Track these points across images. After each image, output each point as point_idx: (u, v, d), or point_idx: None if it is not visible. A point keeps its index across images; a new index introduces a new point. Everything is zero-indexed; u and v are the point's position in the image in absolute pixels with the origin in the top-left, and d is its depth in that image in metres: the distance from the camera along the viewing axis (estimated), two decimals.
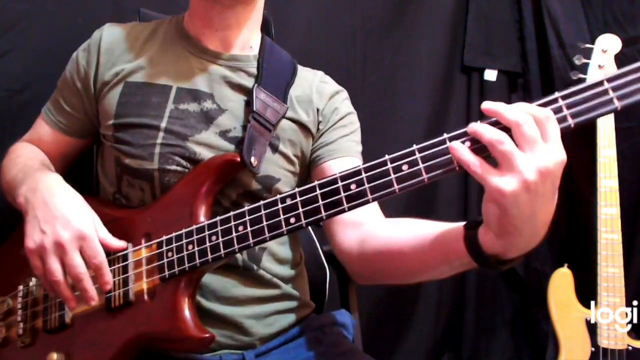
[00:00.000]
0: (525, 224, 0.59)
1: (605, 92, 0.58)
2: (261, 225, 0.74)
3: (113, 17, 1.10)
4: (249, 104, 0.91)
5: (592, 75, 1.58)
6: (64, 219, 0.78)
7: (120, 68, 0.92)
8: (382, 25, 1.76)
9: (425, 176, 0.64)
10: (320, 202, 0.70)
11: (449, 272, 0.73)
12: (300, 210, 0.71)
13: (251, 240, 0.74)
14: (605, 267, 1.48)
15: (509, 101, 2.09)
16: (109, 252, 0.81)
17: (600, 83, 0.59)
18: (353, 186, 0.68)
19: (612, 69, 1.56)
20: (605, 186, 1.51)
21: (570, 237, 1.85)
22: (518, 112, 0.57)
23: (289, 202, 0.72)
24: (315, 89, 0.99)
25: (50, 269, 0.77)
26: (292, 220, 0.72)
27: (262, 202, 0.75)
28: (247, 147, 0.85)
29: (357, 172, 0.68)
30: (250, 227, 0.74)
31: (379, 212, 0.91)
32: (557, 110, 0.59)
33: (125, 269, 0.81)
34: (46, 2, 1.23)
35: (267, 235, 0.73)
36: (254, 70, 0.95)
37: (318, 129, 0.97)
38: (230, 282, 0.88)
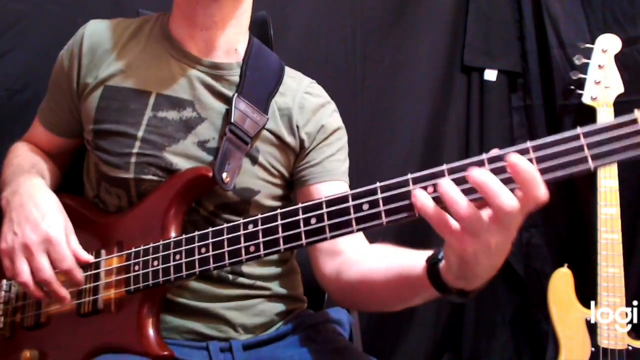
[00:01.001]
0: (483, 271, 0.60)
1: (580, 148, 0.53)
2: (222, 250, 0.73)
3: (113, 18, 1.09)
4: (229, 113, 0.88)
5: (592, 75, 1.58)
6: (34, 222, 0.79)
7: (101, 71, 0.90)
8: (382, 25, 1.76)
9: (384, 220, 0.61)
10: (280, 234, 0.69)
11: (421, 301, 0.73)
12: (261, 239, 0.70)
13: (211, 265, 0.74)
14: (605, 267, 1.48)
15: (508, 101, 2.09)
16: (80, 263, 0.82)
17: (576, 137, 0.54)
18: (313, 220, 0.66)
19: (612, 69, 1.57)
20: (605, 186, 1.51)
21: (570, 237, 1.85)
22: (511, 200, 0.53)
23: (250, 229, 0.72)
24: (298, 103, 0.93)
25: (17, 270, 0.78)
26: (252, 249, 0.71)
27: (225, 226, 0.74)
28: (220, 162, 0.84)
29: (319, 206, 0.66)
30: (212, 250, 0.74)
31: (360, 239, 0.89)
32: None
33: (97, 277, 0.82)
34: (46, 2, 1.23)
35: (226, 261, 0.73)
36: (236, 79, 0.92)
37: (303, 147, 0.93)
38: (209, 286, 0.89)
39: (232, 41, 0.93)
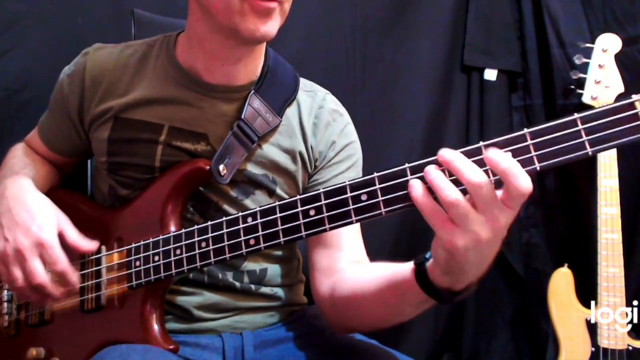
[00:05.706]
0: (472, 267, 0.60)
1: (578, 134, 0.53)
2: (222, 244, 0.74)
3: (112, 17, 1.10)
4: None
5: (593, 75, 1.58)
6: (25, 226, 0.78)
7: (109, 105, 0.87)
8: (382, 25, 1.76)
9: (382, 210, 0.62)
10: (280, 227, 0.69)
11: (412, 311, 0.72)
12: (260, 233, 0.71)
13: (212, 259, 0.74)
14: (605, 267, 1.48)
15: (509, 101, 2.09)
16: (82, 254, 0.83)
17: (574, 122, 0.54)
18: (312, 212, 0.66)
19: (612, 69, 1.57)
20: (605, 186, 1.51)
21: (570, 237, 1.85)
22: (477, 173, 0.54)
23: (249, 222, 0.72)
24: (312, 121, 0.91)
25: (12, 276, 0.78)
26: (252, 242, 0.72)
27: (225, 219, 0.74)
28: (219, 155, 0.83)
29: (317, 198, 0.66)
30: (212, 244, 0.75)
31: (360, 257, 0.88)
32: (524, 151, 0.55)
33: (98, 274, 0.83)
34: (45, 1, 1.23)
35: (227, 255, 0.73)
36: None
37: (315, 166, 0.91)
38: (231, 299, 0.89)
39: (251, 70, 0.89)
